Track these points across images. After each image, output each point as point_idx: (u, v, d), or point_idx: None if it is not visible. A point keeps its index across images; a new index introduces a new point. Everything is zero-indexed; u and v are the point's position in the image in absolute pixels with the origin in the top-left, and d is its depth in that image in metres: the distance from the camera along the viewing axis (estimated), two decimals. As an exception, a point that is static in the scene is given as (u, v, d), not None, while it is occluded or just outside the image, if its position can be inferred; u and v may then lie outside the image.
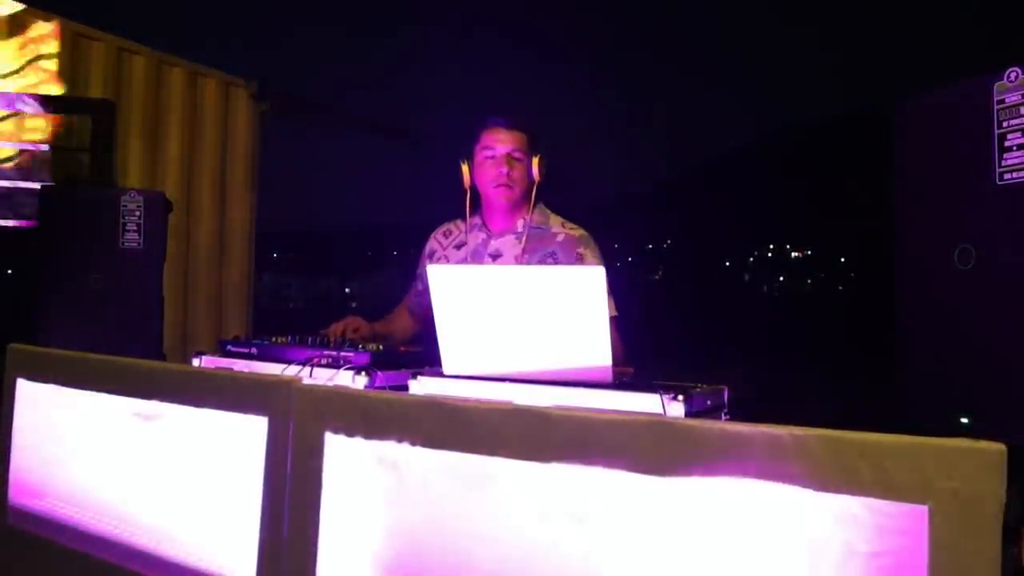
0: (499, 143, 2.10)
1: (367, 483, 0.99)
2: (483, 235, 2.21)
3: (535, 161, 2.08)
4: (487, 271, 1.62)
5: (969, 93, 1.58)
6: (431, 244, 2.33)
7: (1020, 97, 1.48)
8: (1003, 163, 1.51)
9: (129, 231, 2.38)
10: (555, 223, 2.17)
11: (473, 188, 2.14)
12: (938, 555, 0.66)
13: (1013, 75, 1.50)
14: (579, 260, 2.07)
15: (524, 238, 2.13)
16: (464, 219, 2.20)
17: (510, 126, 2.11)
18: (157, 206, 2.43)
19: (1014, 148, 1.49)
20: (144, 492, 1.23)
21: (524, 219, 2.15)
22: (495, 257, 2.15)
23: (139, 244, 2.38)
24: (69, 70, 3.73)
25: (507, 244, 2.17)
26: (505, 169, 2.09)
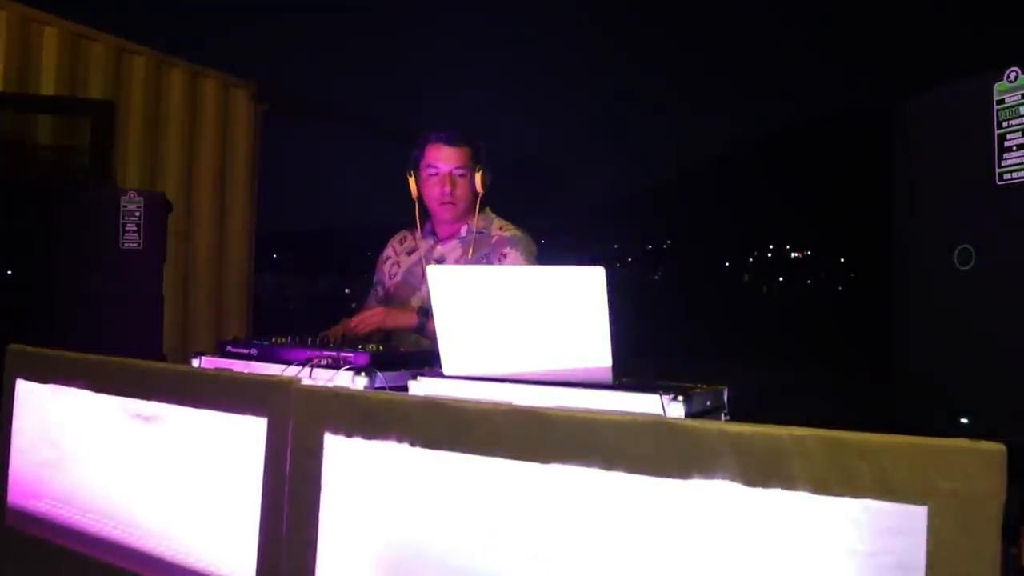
0: (441, 161, 2.18)
1: (367, 483, 0.99)
2: (431, 241, 2.31)
3: (478, 175, 2.18)
4: (487, 271, 1.62)
5: (969, 93, 1.59)
6: (387, 250, 2.44)
7: (1020, 97, 1.48)
8: (1003, 163, 1.51)
9: (129, 231, 2.38)
10: (496, 227, 2.27)
11: (420, 198, 2.25)
12: (938, 555, 0.66)
13: (1013, 75, 1.49)
14: (502, 260, 2.17)
15: (470, 244, 2.24)
16: (416, 226, 2.31)
17: (452, 142, 2.18)
18: (157, 206, 2.44)
19: (1014, 148, 1.49)
20: (143, 493, 1.23)
21: (468, 225, 2.26)
22: (439, 262, 2.25)
23: (139, 244, 2.38)
24: (69, 70, 3.73)
25: (450, 250, 2.27)
26: (448, 188, 2.18)
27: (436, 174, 2.18)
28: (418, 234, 2.34)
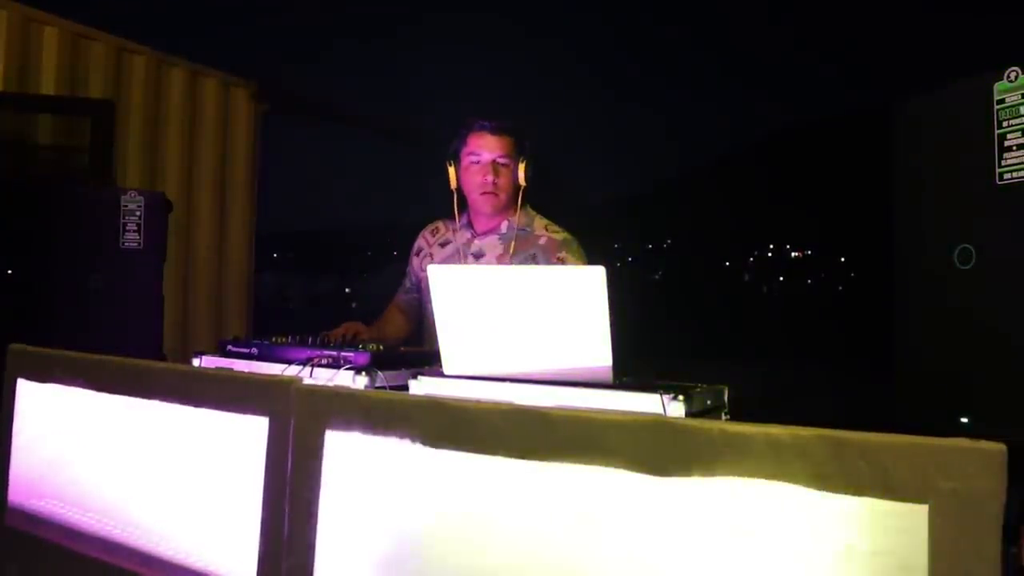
0: (485, 149, 2.10)
1: (367, 483, 0.99)
2: (468, 234, 2.22)
3: (521, 166, 2.09)
4: (487, 271, 1.62)
5: (969, 93, 1.59)
6: (419, 242, 2.35)
7: (1020, 97, 1.48)
8: (1003, 163, 1.51)
9: (129, 231, 2.38)
10: (539, 226, 2.18)
11: (460, 188, 2.16)
12: (938, 555, 0.66)
13: (1013, 75, 1.50)
14: (559, 264, 2.07)
15: (511, 240, 2.15)
16: (452, 217, 2.22)
17: (496, 131, 2.09)
18: (157, 206, 2.43)
19: (1014, 148, 1.49)
20: (144, 492, 1.23)
21: (509, 220, 2.16)
22: (477, 257, 2.17)
23: (139, 244, 2.38)
24: (69, 70, 3.73)
25: (490, 245, 2.18)
26: (491, 177, 2.09)
27: (478, 162, 2.10)
28: (453, 225, 2.24)
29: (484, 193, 2.11)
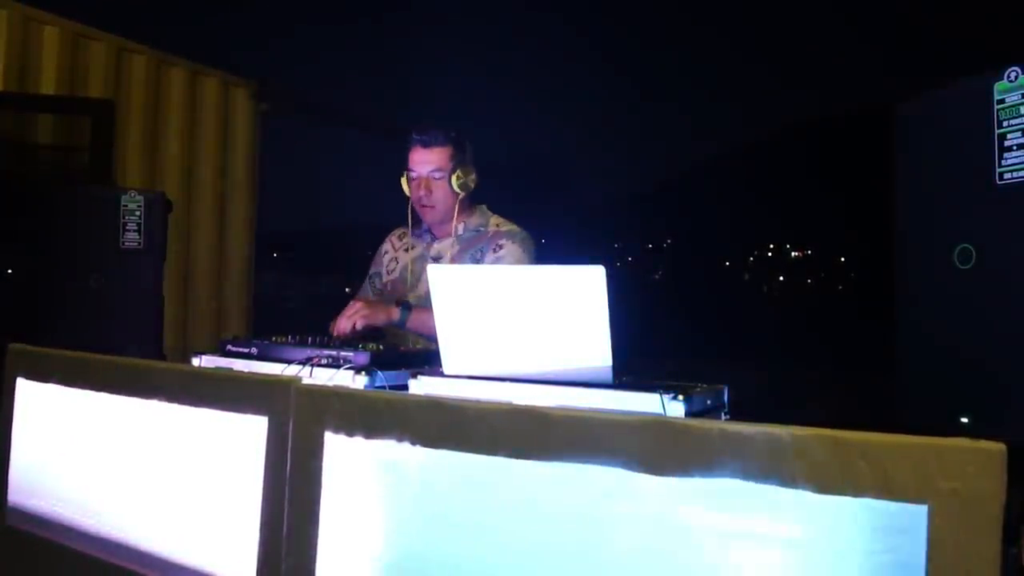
0: (418, 164, 2.17)
1: (367, 483, 0.99)
2: (428, 239, 2.31)
3: (455, 176, 2.14)
4: (487, 271, 1.62)
5: (969, 93, 1.58)
6: (385, 244, 2.44)
7: (1020, 97, 1.48)
8: (1003, 163, 1.50)
9: (129, 231, 2.38)
10: (492, 224, 2.26)
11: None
12: (938, 555, 0.66)
13: (1013, 75, 1.49)
14: (497, 251, 2.16)
15: (465, 241, 2.23)
16: (414, 224, 2.31)
17: (428, 145, 2.15)
18: (157, 206, 2.43)
19: (1014, 148, 1.49)
20: (144, 492, 1.23)
21: (465, 222, 2.25)
22: (436, 260, 2.25)
23: (139, 244, 2.38)
24: (69, 70, 3.73)
25: (447, 246, 2.26)
26: (423, 192, 2.16)
27: (415, 177, 2.17)
28: (416, 230, 2.33)
29: (422, 207, 2.19)
